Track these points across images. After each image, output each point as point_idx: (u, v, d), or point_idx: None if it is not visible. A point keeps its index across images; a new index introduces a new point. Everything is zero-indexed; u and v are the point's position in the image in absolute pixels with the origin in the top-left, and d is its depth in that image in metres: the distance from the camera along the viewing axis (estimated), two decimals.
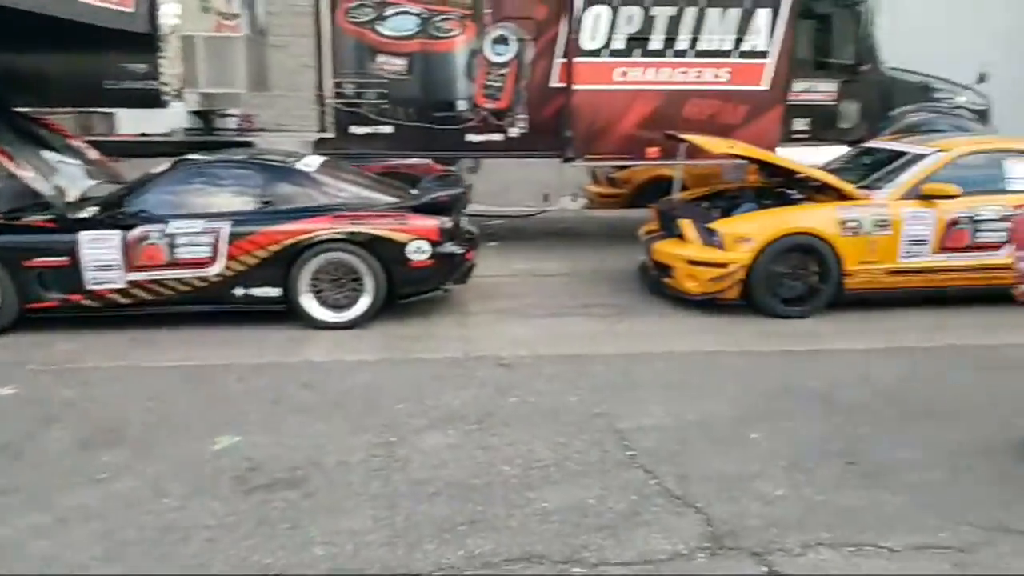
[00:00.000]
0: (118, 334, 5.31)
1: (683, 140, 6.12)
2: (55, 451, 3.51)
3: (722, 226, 5.41)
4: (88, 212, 5.44)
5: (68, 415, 3.93)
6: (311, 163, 5.84)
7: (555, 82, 7.88)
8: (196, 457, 3.45)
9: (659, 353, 4.82)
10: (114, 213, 5.34)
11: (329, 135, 8.08)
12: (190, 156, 5.86)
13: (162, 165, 5.82)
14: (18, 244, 5.27)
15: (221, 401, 4.13)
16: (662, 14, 7.11)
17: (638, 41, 7.18)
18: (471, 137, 8.04)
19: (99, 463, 3.40)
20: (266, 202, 5.46)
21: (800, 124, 7.61)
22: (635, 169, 8.90)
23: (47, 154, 5.99)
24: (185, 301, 5.43)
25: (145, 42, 7.79)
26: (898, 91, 8.45)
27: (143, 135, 8.56)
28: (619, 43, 7.17)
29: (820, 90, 8.07)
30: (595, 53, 7.20)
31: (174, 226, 5.30)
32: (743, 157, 6.09)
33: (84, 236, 5.25)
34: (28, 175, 5.53)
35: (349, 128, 8.01)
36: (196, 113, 8.69)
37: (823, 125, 8.09)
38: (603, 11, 7.12)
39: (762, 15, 7.09)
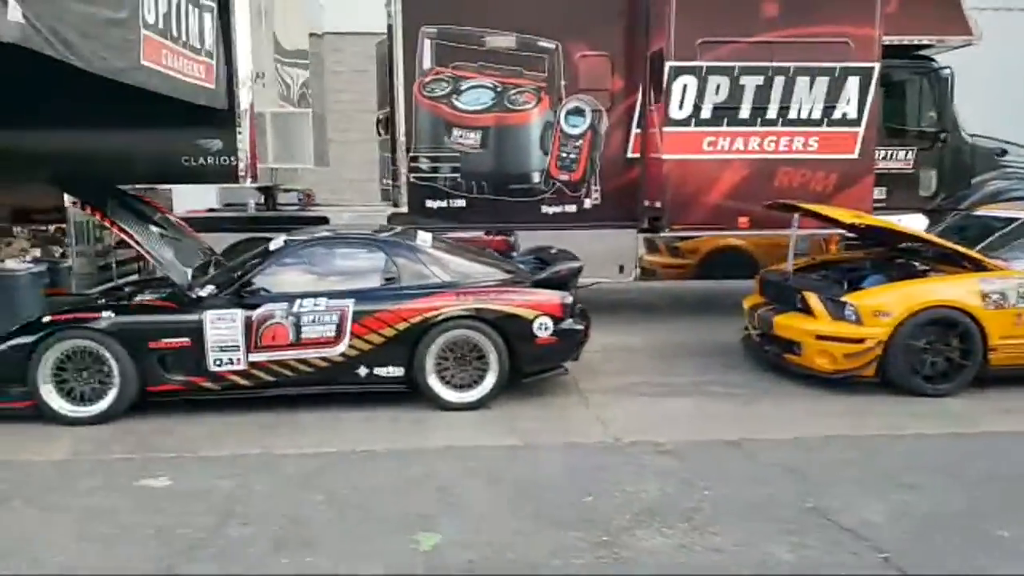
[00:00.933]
0: (237, 417, 5.14)
1: (798, 209, 6.17)
2: (255, 554, 3.32)
3: (856, 299, 5.40)
4: (206, 291, 5.33)
5: (241, 509, 3.74)
6: (426, 238, 5.81)
7: (631, 152, 8.02)
8: (406, 559, 3.29)
9: (822, 437, 4.70)
10: (236, 292, 5.23)
11: (402, 210, 8.09)
12: (300, 234, 5.83)
13: (275, 242, 5.77)
14: (142, 325, 5.14)
15: (388, 492, 3.97)
16: (750, 83, 7.28)
17: (727, 110, 7.33)
18: (545, 209, 8.10)
19: (307, 564, 3.23)
20: (388, 279, 5.40)
21: (877, 193, 7.74)
22: (700, 239, 8.99)
23: (156, 230, 5.90)
24: (306, 382, 5.30)
25: (223, 118, 7.81)
26: (977, 157, 8.66)
27: (198, 211, 8.50)
28: (707, 112, 7.31)
29: (898, 158, 8.28)
30: (683, 123, 7.33)
31: (298, 304, 5.20)
32: (871, 227, 6.09)
33: (208, 316, 5.13)
34: (155, 254, 5.43)
35: (424, 202, 8.03)
36: (259, 189, 8.66)
37: (901, 193, 8.25)
38: (691, 81, 7.28)
39: (852, 83, 7.28)
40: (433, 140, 7.98)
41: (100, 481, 4.12)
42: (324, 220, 8.14)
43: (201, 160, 8.12)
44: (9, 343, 5.10)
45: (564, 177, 8.05)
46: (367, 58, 15.93)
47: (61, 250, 8.02)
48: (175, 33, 6.39)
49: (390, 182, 8.58)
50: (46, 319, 5.15)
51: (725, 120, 7.34)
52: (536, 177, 8.05)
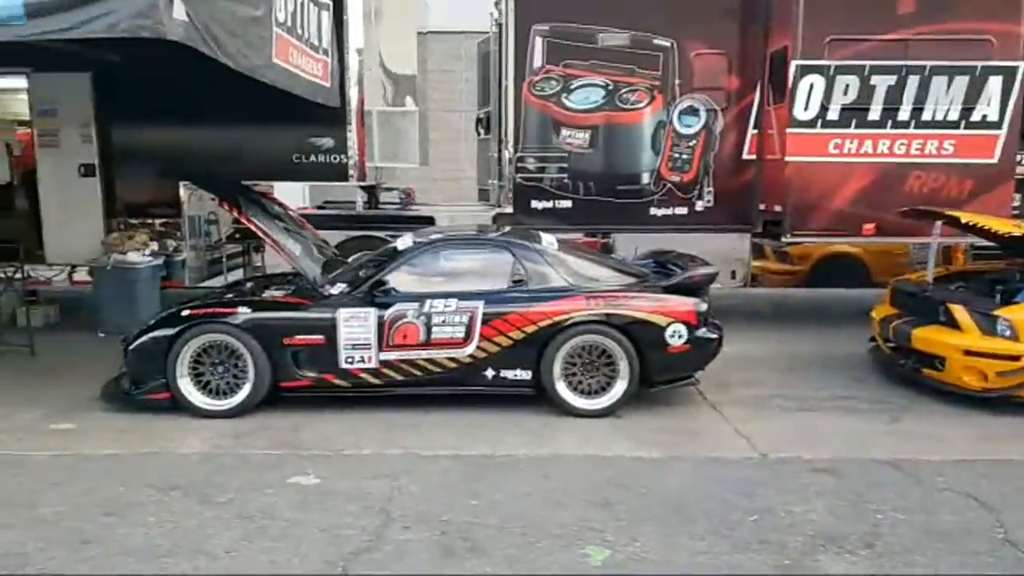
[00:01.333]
0: (366, 415, 5.13)
1: (941, 217, 5.85)
2: (425, 560, 3.26)
3: (1012, 313, 5.08)
4: (338, 289, 5.33)
5: (398, 512, 3.69)
6: (551, 241, 5.71)
7: (747, 154, 7.76)
8: (580, 572, 3.18)
9: (990, 462, 4.39)
10: (369, 291, 5.21)
11: (507, 210, 8.01)
12: (427, 235, 5.80)
13: (402, 241, 5.75)
14: (277, 321, 5.17)
15: (540, 500, 3.87)
16: (882, 83, 6.96)
17: (855, 111, 7.01)
18: (654, 211, 7.91)
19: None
20: (516, 281, 5.31)
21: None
22: (811, 246, 8.65)
23: (282, 226, 5.95)
24: (434, 382, 5.25)
25: (334, 117, 7.87)
26: None
27: (306, 208, 8.56)
28: (834, 113, 7.01)
29: None
30: (808, 124, 7.06)
31: (429, 305, 5.16)
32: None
33: (342, 314, 5.13)
34: (292, 252, 5.47)
35: (530, 203, 7.94)
36: (362, 188, 8.69)
37: None
38: (817, 80, 7.00)
39: (994, 83, 6.89)
40: (541, 140, 7.87)
41: (250, 476, 4.13)
42: (429, 220, 8.13)
43: (312, 158, 8.23)
44: (149, 335, 5.20)
45: (675, 178, 7.85)
46: (453, 58, 16.05)
47: (175, 244, 8.21)
48: (299, 31, 6.43)
49: (494, 182, 8.52)
50: (185, 313, 5.22)
51: (853, 122, 7.03)
52: (646, 178, 7.88)
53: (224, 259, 8.61)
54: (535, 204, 7.92)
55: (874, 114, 6.99)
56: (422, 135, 9.03)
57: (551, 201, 7.92)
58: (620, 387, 5.18)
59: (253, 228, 5.48)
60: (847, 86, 6.98)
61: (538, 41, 7.72)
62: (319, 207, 8.47)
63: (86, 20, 3.97)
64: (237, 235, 8.73)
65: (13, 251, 8.01)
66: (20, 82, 8.49)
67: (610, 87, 7.74)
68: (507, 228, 6.42)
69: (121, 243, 7.64)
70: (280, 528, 3.54)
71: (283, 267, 7.77)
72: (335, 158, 8.16)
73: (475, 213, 8.59)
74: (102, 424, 5.03)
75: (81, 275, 9.00)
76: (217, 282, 8.32)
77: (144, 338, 5.21)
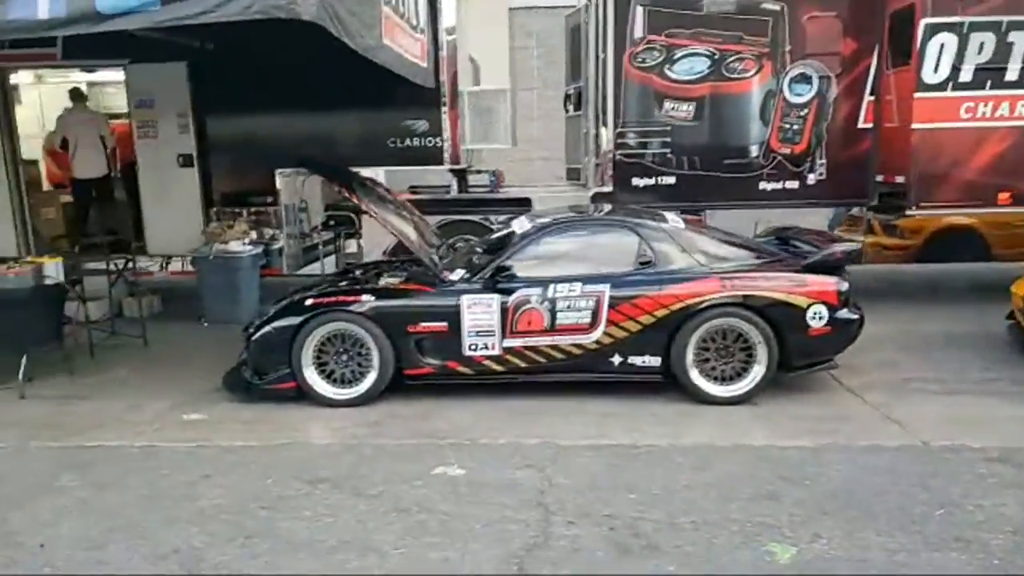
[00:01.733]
0: (490, 403, 5.01)
1: None
2: (602, 559, 3.11)
3: None
4: (458, 275, 5.20)
5: (555, 506, 3.55)
6: (678, 220, 5.46)
7: (863, 122, 7.34)
8: (769, 571, 2.98)
9: None
10: (492, 276, 5.06)
11: (606, 189, 7.76)
12: (547, 217, 5.62)
13: (519, 224, 5.58)
14: (401, 309, 5.07)
15: (702, 493, 3.68)
16: (1021, 40, 6.44)
17: (991, 71, 6.53)
18: (763, 185, 7.57)
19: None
20: (643, 263, 5.09)
21: None
22: (924, 219, 8.19)
23: (395, 211, 5.85)
24: (558, 369, 5.09)
25: (429, 99, 7.74)
26: None
27: (413, 190, 8.44)
28: (967, 75, 6.54)
29: None
30: (938, 87, 6.61)
31: (554, 290, 4.98)
32: None
33: (465, 300, 5.00)
34: (409, 238, 5.37)
35: (631, 180, 7.67)
36: (452, 171, 8.54)
37: None
38: (949, 39, 6.53)
39: None
40: (642, 114, 7.59)
41: (393, 467, 4.04)
42: (525, 202, 7.94)
43: (406, 142, 8.14)
44: (272, 325, 5.16)
45: (786, 150, 7.48)
46: (525, 34, 15.79)
47: (271, 233, 8.22)
48: (402, 10, 6.30)
49: (588, 160, 8.26)
50: (308, 302, 5.16)
51: (988, 83, 6.55)
52: (754, 151, 7.53)
53: (320, 246, 8.59)
54: (636, 182, 7.66)
55: (1012, 74, 6.48)
56: (512, 115, 8.83)
57: (653, 178, 7.65)
58: (758, 373, 4.93)
59: (371, 215, 5.38)
60: (982, 44, 6.49)
61: (639, 11, 7.41)
62: (411, 191, 8.36)
63: (220, 3, 3.89)
64: (331, 222, 8.70)
65: (118, 243, 8.18)
66: (116, 75, 8.62)
67: (716, 56, 7.39)
68: (625, 207, 6.19)
69: (222, 232, 7.69)
70: (439, 522, 3.43)
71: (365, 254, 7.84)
72: (429, 141, 8.05)
73: (572, 194, 8.36)
74: (231, 414, 5.02)
75: (176, 265, 9.17)
76: (313, 269, 8.32)
77: (267, 328, 5.17)
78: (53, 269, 5.72)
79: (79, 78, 9.08)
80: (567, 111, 9.55)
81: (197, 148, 8.05)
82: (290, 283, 7.49)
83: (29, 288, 5.50)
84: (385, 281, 5.52)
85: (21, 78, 9.08)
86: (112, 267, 7.07)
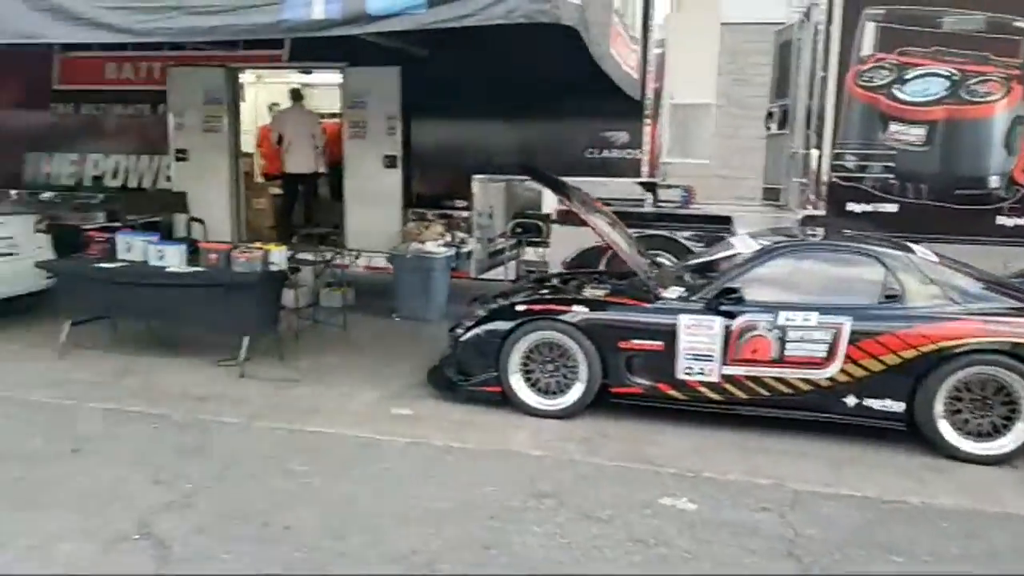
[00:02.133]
0: (707, 434, 4.70)
1: None
2: None
3: None
4: (674, 292, 4.96)
5: (808, 558, 3.22)
6: (928, 253, 4.94)
7: None
8: None
9: None
10: (716, 297, 4.78)
11: (818, 212, 7.23)
12: (776, 236, 5.28)
13: (742, 244, 5.27)
14: (614, 323, 4.90)
15: (977, 565, 3.21)
16: None
17: None
18: (1002, 220, 6.78)
19: None
20: (889, 296, 4.62)
21: None
22: None
23: (606, 221, 5.70)
24: (781, 405, 4.71)
25: (629, 110, 7.58)
26: None
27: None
28: None
29: None
30: None
31: (784, 317, 4.62)
32: None
33: (683, 320, 4.75)
34: (626, 251, 5.22)
35: (846, 205, 7.11)
36: (644, 184, 8.29)
37: None
38: None
39: None
40: (864, 135, 7.01)
41: (616, 490, 3.86)
42: (725, 220, 7.58)
43: (604, 152, 8.01)
44: (482, 328, 5.14)
45: None
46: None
47: (462, 236, 8.34)
48: (627, 21, 6.17)
49: (796, 181, 7.77)
50: (519, 308, 5.10)
51: None
52: (994, 182, 6.76)
53: (505, 251, 8.62)
54: (852, 207, 7.08)
55: None
56: (712, 131, 8.51)
57: (871, 204, 7.04)
58: (1022, 431, 4.34)
59: (590, 225, 5.26)
60: None
61: (869, 27, 6.87)
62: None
63: (484, 6, 3.90)
64: (519, 229, 8.71)
65: (322, 236, 8.59)
66: (330, 77, 9.09)
67: (955, 77, 6.71)
68: (858, 234, 5.69)
69: (419, 233, 7.88)
70: (681, 559, 3.20)
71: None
72: (628, 153, 7.88)
73: (773, 215, 7.90)
74: (437, 413, 5.04)
75: (366, 260, 9.51)
76: (494, 275, 8.37)
77: (477, 330, 5.16)
78: (278, 256, 6.01)
79: (294, 79, 9.65)
80: (768, 129, 9.09)
81: (402, 150, 8.30)
82: (474, 287, 7.59)
83: (257, 273, 5.81)
84: (590, 293, 5.38)
85: (244, 77, 9.76)
86: (321, 258, 7.40)
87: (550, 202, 8.49)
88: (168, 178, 8.94)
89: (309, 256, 7.42)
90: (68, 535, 3.31)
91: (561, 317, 4.96)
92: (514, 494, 3.77)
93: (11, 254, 7.06)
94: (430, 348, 5.94)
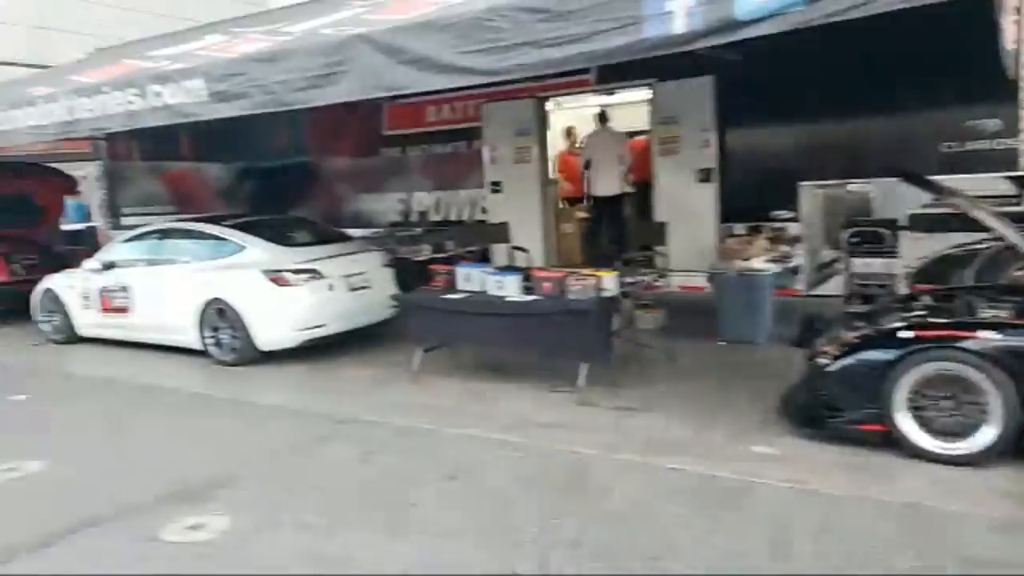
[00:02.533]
0: None
1: None
2: None
3: None
4: None
5: None
6: None
7: None
8: None
9: None
10: None
11: None
12: None
13: None
14: None
15: None
16: None
17: None
18: None
19: None
20: None
21: None
22: None
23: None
24: None
25: (1002, 92, 6.38)
26: None
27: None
28: None
29: None
30: None
31: None
32: None
33: None
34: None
35: None
36: (1011, 178, 6.90)
37: None
38: None
39: None
40: None
41: None
42: None
43: (968, 145, 6.87)
44: (857, 357, 4.52)
45: None
46: None
47: (786, 250, 7.66)
48: None
49: None
50: (905, 335, 4.40)
51: None
52: None
53: (834, 264, 7.77)
54: None
55: None
56: None
57: None
58: None
59: (993, 227, 4.41)
60: None
61: None
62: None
63: None
64: (855, 238, 7.78)
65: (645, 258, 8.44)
66: (638, 94, 8.98)
67: None
68: None
69: (742, 249, 7.38)
70: None
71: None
72: (999, 143, 6.66)
73: None
74: (805, 452, 4.51)
75: (677, 280, 9.19)
76: (824, 290, 7.54)
77: (848, 360, 4.55)
78: (610, 282, 5.92)
79: (590, 102, 9.71)
80: None
81: (717, 163, 7.89)
82: (797, 304, 6.90)
83: (593, 300, 5.76)
84: (988, 313, 4.49)
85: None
86: (641, 280, 7.23)
87: (897, 205, 7.51)
88: (483, 210, 9.44)
89: (631, 279, 7.29)
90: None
91: (963, 344, 4.17)
92: (941, 558, 3.14)
93: (366, 287, 7.86)
94: (768, 375, 5.45)
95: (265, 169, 11.78)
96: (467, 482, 4.39)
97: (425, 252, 9.51)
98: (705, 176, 7.90)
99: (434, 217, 10.11)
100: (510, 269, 7.05)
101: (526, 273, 6.51)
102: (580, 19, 4.10)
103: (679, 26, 3.83)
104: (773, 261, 7.28)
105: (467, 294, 6.40)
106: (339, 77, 5.09)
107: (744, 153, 7.93)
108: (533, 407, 5.76)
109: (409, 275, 8.54)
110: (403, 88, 4.95)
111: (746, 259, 7.20)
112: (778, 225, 7.80)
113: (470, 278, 6.54)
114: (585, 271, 6.08)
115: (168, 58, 7.43)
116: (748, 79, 7.31)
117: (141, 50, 9.19)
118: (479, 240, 8.43)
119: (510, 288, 6.24)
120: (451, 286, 6.62)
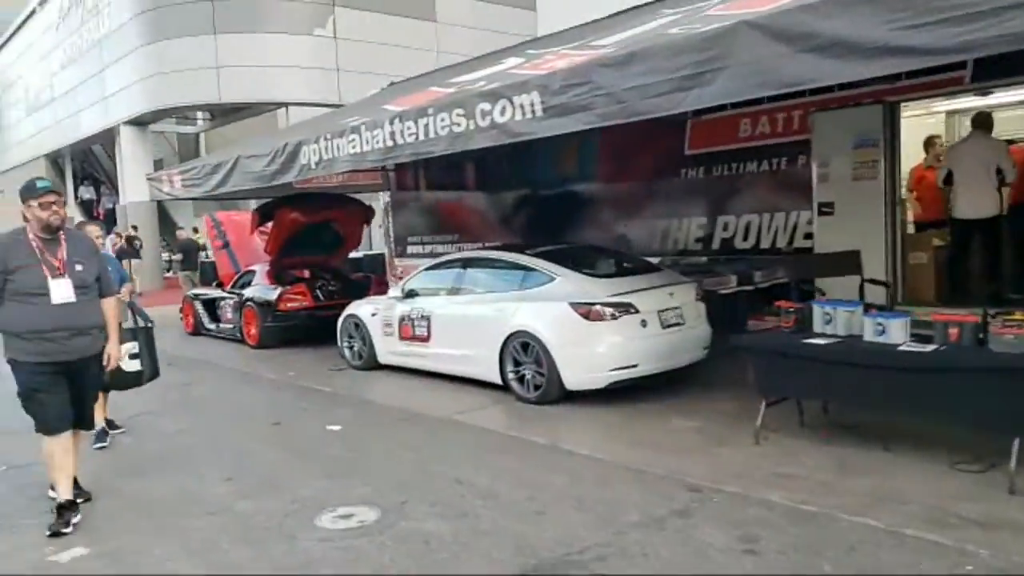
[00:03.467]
0: None
1: None
2: None
3: None
4: None
5: None
6: None
7: None
8: None
9: None
10: None
11: None
12: None
13: None
14: None
15: None
16: None
17: None
18: None
19: None
20: None
21: None
22: None
23: None
24: None
25: None
26: None
27: None
28: None
29: None
30: None
31: None
32: None
33: None
34: None
35: None
36: None
37: None
38: None
39: None
40: None
41: None
42: None
43: None
44: None
45: None
46: None
47: None
48: None
49: None
50: None
51: None
52: None
53: None
54: None
55: None
56: None
57: None
58: None
59: None
60: None
61: None
62: None
63: None
64: None
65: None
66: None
67: None
68: None
69: None
70: None
71: None
72: None
73: None
74: None
75: None
76: None
77: None
78: None
79: (959, 104, 7.99)
80: None
81: None
82: None
83: None
84: None
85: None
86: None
87: None
88: (807, 235, 8.11)
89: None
90: None
91: None
92: None
93: (680, 324, 6.95)
94: None
95: (543, 196, 11.45)
96: None
97: (731, 284, 8.41)
98: None
99: (743, 244, 8.95)
100: (885, 310, 5.72)
101: (912, 316, 5.17)
102: None
103: None
104: None
105: (835, 339, 5.20)
106: (713, 76, 4.22)
107: None
108: (937, 490, 4.45)
109: (715, 310, 7.51)
110: (805, 83, 3.96)
111: None
112: None
113: (832, 319, 5.33)
114: (1018, 315, 4.61)
115: (483, 79, 7.13)
116: None
117: (440, 79, 9.17)
118: (815, 271, 7.13)
119: (895, 334, 4.94)
120: (798, 326, 5.48)
